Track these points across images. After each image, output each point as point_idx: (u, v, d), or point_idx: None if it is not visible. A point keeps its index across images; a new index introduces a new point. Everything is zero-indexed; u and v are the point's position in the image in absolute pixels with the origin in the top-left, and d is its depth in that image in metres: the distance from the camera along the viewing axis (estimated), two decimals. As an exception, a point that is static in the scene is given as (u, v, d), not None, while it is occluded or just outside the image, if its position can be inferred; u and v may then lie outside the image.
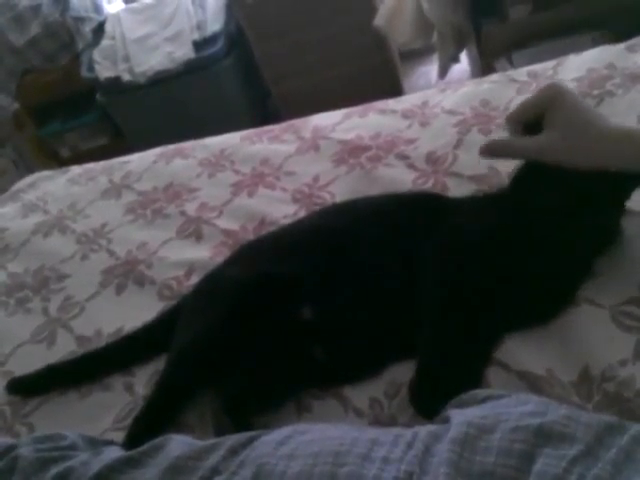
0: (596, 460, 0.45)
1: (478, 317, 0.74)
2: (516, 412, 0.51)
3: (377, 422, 0.72)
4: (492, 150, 0.78)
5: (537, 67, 1.22)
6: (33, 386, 0.93)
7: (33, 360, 0.96)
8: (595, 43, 1.81)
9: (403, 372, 0.74)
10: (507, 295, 0.74)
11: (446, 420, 0.56)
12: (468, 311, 0.74)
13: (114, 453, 0.65)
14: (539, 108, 0.75)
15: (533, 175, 0.78)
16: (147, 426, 0.78)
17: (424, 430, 0.55)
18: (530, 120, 0.76)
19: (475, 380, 0.70)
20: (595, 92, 1.06)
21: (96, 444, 0.72)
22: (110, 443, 0.74)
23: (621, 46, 1.18)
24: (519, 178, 0.80)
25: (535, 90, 1.13)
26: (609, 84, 1.07)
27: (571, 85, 1.11)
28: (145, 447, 0.64)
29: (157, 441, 0.64)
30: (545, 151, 0.73)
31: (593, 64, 1.15)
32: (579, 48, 1.26)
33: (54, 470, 0.62)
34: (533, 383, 0.69)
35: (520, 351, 0.72)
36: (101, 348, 0.94)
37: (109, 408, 0.85)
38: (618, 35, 1.35)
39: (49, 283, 1.14)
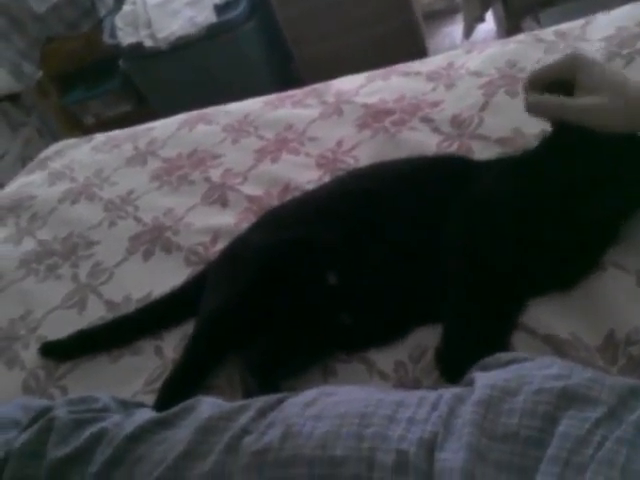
0: (619, 422, 0.45)
1: (504, 282, 0.74)
2: (540, 375, 0.51)
3: (401, 385, 0.73)
4: (542, 107, 0.77)
5: (564, 26, 1.19)
6: (66, 350, 0.95)
7: (64, 325, 0.99)
8: (626, -1, 1.76)
9: (428, 336, 0.75)
10: (533, 260, 0.74)
11: (470, 383, 0.57)
12: (494, 276, 0.74)
13: (146, 414, 0.67)
14: (561, 72, 0.75)
15: (562, 139, 0.77)
16: (177, 389, 0.80)
17: (448, 392, 0.55)
18: (548, 83, 0.77)
19: (501, 346, 0.70)
20: (625, 51, 1.04)
21: (128, 406, 0.74)
22: (141, 405, 0.76)
23: (653, 3, 1.15)
24: (548, 141, 0.79)
25: (563, 50, 1.11)
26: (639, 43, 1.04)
27: (599, 45, 1.08)
28: (176, 409, 0.65)
29: (188, 403, 0.66)
30: (593, 112, 0.72)
31: (623, 22, 1.12)
32: (609, 5, 1.22)
33: (89, 430, 0.64)
34: (558, 347, 0.69)
35: (545, 315, 0.72)
36: (131, 313, 0.96)
37: (139, 371, 0.88)
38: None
39: (78, 250, 1.16)
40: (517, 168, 0.83)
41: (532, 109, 0.78)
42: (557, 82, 0.76)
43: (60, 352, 0.96)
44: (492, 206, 0.78)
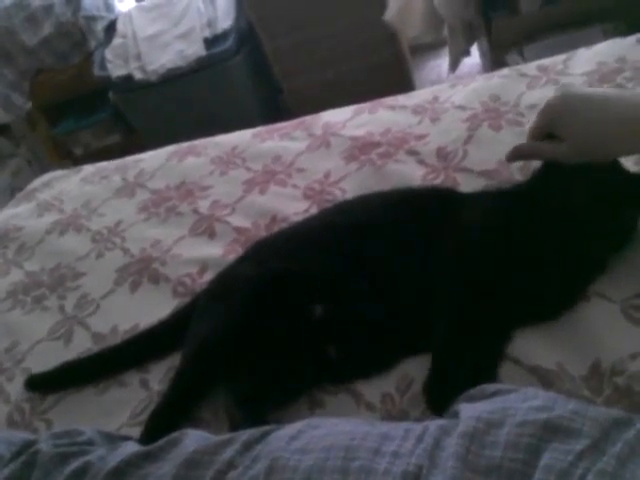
0: (602, 454, 0.45)
1: (491, 315, 0.74)
2: (524, 407, 0.52)
3: (389, 417, 0.72)
4: (520, 153, 0.79)
5: (547, 61, 1.22)
6: (51, 383, 0.94)
7: (50, 357, 0.98)
8: (607, 35, 1.80)
9: (415, 367, 0.75)
10: (520, 292, 0.75)
11: (456, 415, 0.57)
12: (482, 310, 0.74)
13: (131, 448, 0.66)
14: (548, 122, 0.78)
15: (552, 172, 0.78)
16: (163, 421, 0.79)
17: (434, 424, 0.56)
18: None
19: (489, 378, 0.70)
20: (605, 86, 1.06)
21: (113, 439, 0.73)
22: (126, 438, 0.75)
23: (632, 39, 1.18)
24: (539, 175, 0.81)
25: (544, 85, 1.14)
26: (619, 78, 1.07)
27: (581, 79, 1.11)
28: (161, 442, 0.65)
29: (173, 436, 0.66)
30: (569, 155, 0.75)
31: (603, 57, 1.15)
32: (590, 41, 1.25)
33: (73, 464, 0.63)
34: (544, 377, 0.69)
35: (531, 346, 0.73)
36: (117, 345, 0.95)
37: (125, 404, 0.87)
38: (631, 26, 1.34)
39: (65, 281, 1.16)
40: (505, 202, 0.84)
41: (510, 157, 0.83)
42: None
43: (46, 385, 0.95)
44: (482, 239, 0.79)
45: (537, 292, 0.75)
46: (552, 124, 0.77)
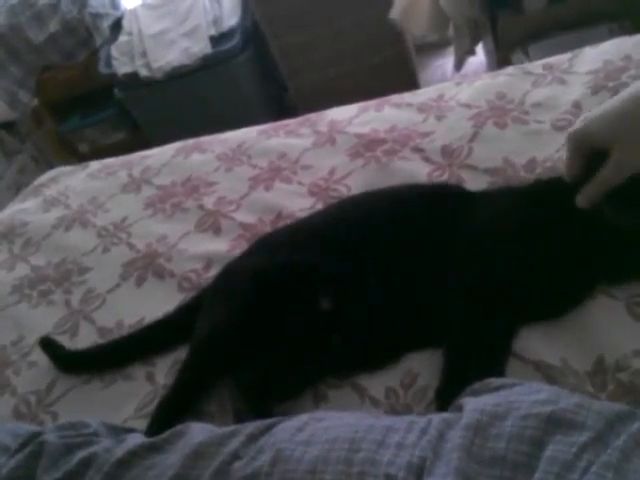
0: (605, 447, 0.45)
1: (504, 317, 0.74)
2: (528, 400, 0.52)
3: (393, 411, 0.73)
4: (589, 199, 0.73)
5: (552, 60, 1.22)
6: (62, 359, 0.96)
7: (57, 351, 0.98)
8: (612, 34, 1.80)
9: (419, 362, 0.76)
10: (533, 292, 0.75)
11: (460, 408, 0.57)
12: (496, 312, 0.74)
13: (136, 439, 0.67)
14: (578, 155, 0.74)
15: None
16: (169, 414, 0.79)
17: (438, 417, 0.56)
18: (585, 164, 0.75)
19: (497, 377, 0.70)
20: (610, 84, 1.06)
21: (118, 431, 0.73)
22: (132, 431, 0.76)
23: (638, 37, 1.18)
24: (557, 179, 0.80)
25: (550, 83, 1.14)
26: (625, 76, 1.07)
27: (586, 77, 1.11)
28: (167, 434, 0.65)
29: (178, 428, 0.66)
30: (620, 168, 0.70)
31: (609, 56, 1.15)
32: (596, 39, 1.25)
33: (79, 455, 0.64)
34: (548, 373, 0.69)
35: (535, 341, 0.73)
36: (123, 337, 0.96)
37: (131, 397, 0.87)
38: (637, 25, 1.33)
39: (71, 276, 1.16)
40: (522, 202, 0.83)
41: (582, 205, 0.74)
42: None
43: (57, 356, 0.96)
44: (498, 239, 0.78)
45: (550, 291, 0.75)
46: (582, 150, 0.73)
